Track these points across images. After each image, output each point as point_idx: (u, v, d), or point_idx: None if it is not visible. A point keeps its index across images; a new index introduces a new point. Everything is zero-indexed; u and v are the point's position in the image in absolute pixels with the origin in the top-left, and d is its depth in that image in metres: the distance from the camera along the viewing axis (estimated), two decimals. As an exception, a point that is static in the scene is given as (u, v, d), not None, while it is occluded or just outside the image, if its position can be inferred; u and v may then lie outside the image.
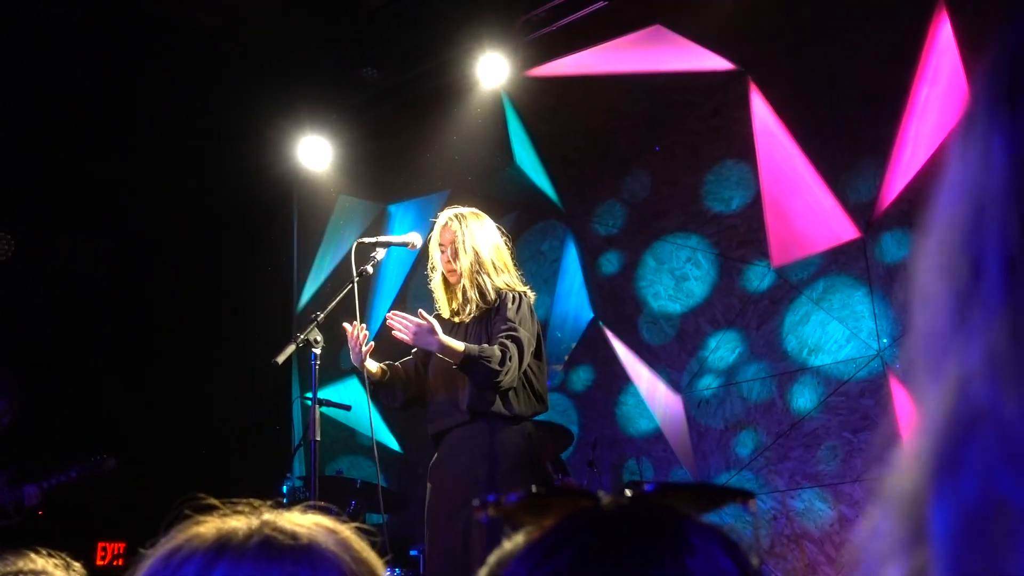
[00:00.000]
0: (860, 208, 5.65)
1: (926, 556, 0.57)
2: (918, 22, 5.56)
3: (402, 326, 3.99)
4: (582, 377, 6.63)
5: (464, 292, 4.24)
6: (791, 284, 5.85)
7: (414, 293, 7.07)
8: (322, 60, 7.06)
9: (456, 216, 4.29)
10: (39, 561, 1.47)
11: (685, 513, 0.77)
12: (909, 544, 0.59)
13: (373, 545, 1.03)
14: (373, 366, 4.19)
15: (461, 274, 4.23)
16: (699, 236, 6.26)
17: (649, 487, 0.78)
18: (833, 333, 5.66)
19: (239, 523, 0.98)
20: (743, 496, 0.80)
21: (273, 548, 0.95)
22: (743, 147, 6.12)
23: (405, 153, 7.46)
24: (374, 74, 7.33)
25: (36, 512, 5.98)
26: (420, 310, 4.03)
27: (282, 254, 8.23)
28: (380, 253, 4.33)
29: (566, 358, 6.68)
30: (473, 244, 4.22)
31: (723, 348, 6.04)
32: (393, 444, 7.16)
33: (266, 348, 4.36)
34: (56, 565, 1.48)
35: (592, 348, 6.61)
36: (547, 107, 6.99)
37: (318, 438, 3.98)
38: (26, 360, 6.55)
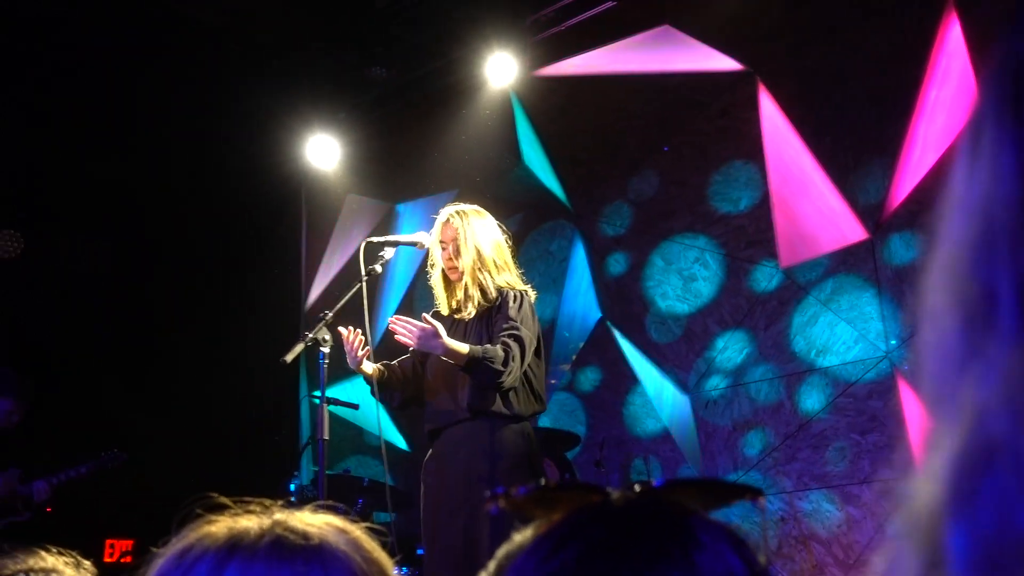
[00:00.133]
0: (869, 209, 5.64)
1: None
2: (927, 22, 5.54)
3: (406, 330, 3.97)
4: (590, 377, 6.62)
5: (465, 290, 4.23)
6: (799, 285, 5.84)
7: (422, 292, 7.07)
8: (330, 59, 7.07)
9: (458, 213, 4.28)
10: (50, 559, 1.47)
11: (693, 509, 0.77)
12: (927, 572, 0.58)
13: (383, 545, 1.03)
14: (369, 368, 4.18)
15: (462, 271, 4.22)
16: (707, 236, 6.25)
17: (658, 482, 0.78)
18: (841, 334, 5.65)
19: (251, 523, 0.98)
20: (752, 493, 0.80)
21: (284, 548, 0.95)
22: (751, 147, 6.11)
23: (413, 152, 7.46)
24: (382, 73, 7.33)
25: (44, 508, 6.00)
26: (424, 314, 4.03)
27: (290, 253, 8.24)
28: (388, 252, 4.33)
29: (574, 358, 6.68)
30: (475, 241, 4.21)
31: (731, 349, 6.04)
32: (400, 443, 7.17)
33: (274, 347, 4.37)
34: (67, 563, 1.49)
35: (600, 348, 6.61)
36: (555, 107, 6.99)
37: (326, 437, 3.99)
38: (32, 359, 6.56)
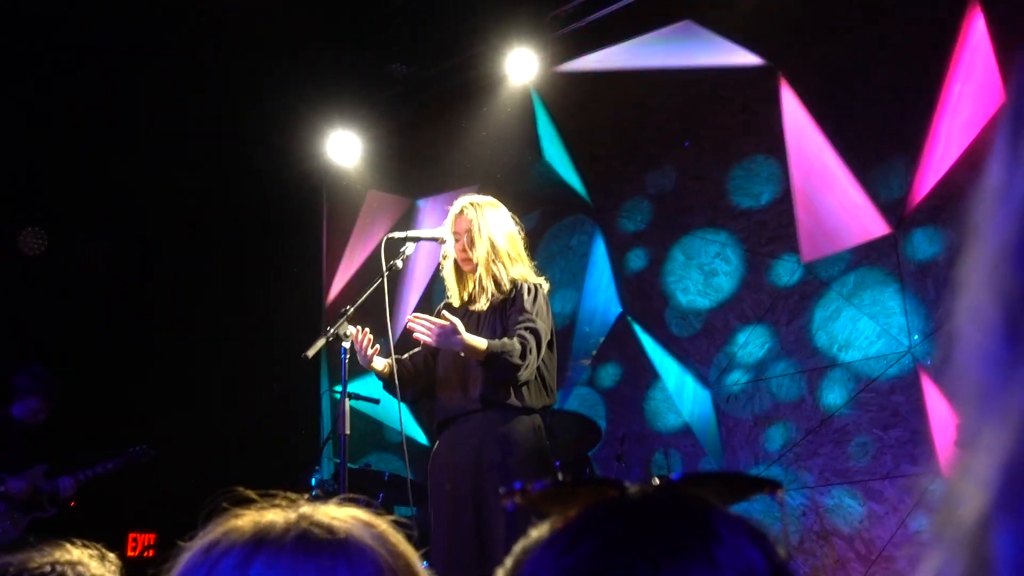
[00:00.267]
0: (891, 204, 5.61)
1: None
2: (950, 16, 5.50)
3: (425, 328, 3.96)
4: (610, 372, 6.62)
5: (479, 281, 4.21)
6: (821, 280, 5.81)
7: (442, 287, 7.07)
8: (351, 56, 7.08)
9: (472, 204, 4.26)
10: (75, 552, 1.48)
11: (712, 503, 0.77)
12: None
13: (408, 538, 1.03)
14: (379, 364, 4.17)
15: (476, 263, 4.20)
16: (728, 231, 6.23)
17: (676, 476, 0.78)
18: (864, 329, 5.63)
19: (276, 516, 0.98)
20: (771, 486, 0.80)
21: (311, 542, 0.95)
22: (773, 142, 6.09)
23: (434, 148, 7.47)
24: (403, 69, 7.34)
25: (69, 504, 6.04)
26: (443, 311, 4.02)
27: (311, 249, 8.26)
28: (410, 248, 4.31)
29: (594, 353, 6.67)
30: (489, 233, 4.19)
31: (752, 343, 6.02)
32: (421, 438, 7.18)
33: (296, 343, 4.38)
34: (91, 556, 1.50)
35: (620, 343, 6.60)
36: (576, 103, 6.98)
37: (348, 431, 3.99)
38: (56, 356, 6.61)
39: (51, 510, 5.97)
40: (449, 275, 4.34)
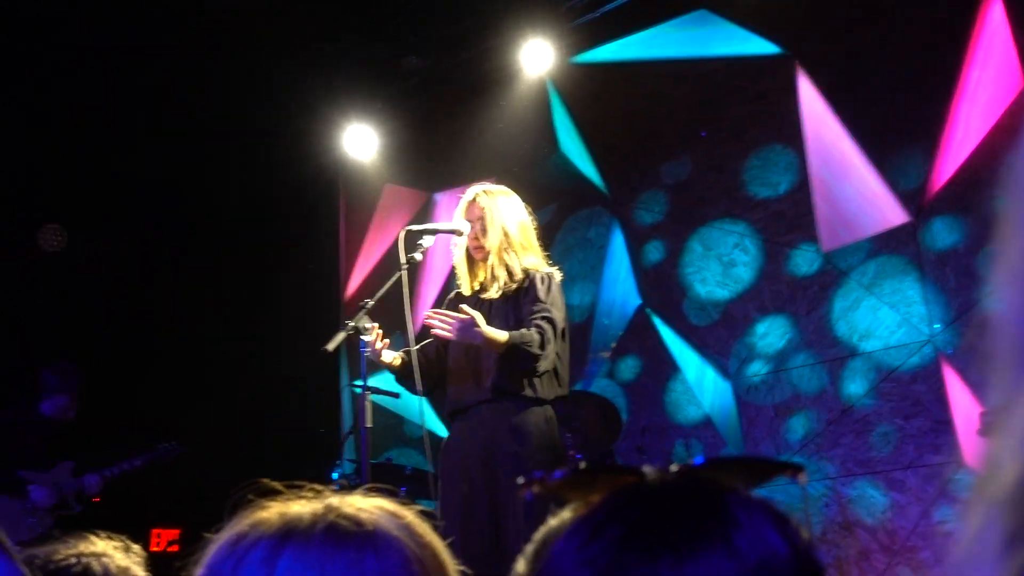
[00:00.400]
0: (910, 192, 5.58)
1: None
2: (968, 2, 5.47)
3: (444, 323, 3.94)
4: (630, 364, 6.60)
5: (491, 270, 4.20)
6: (841, 269, 5.79)
7: (461, 281, 7.08)
8: (366, 49, 7.08)
9: (485, 192, 4.25)
10: (100, 544, 1.50)
11: (731, 487, 0.76)
12: (1013, 539, 0.58)
13: (435, 528, 1.03)
14: (388, 356, 4.16)
15: (488, 251, 4.19)
16: (746, 221, 6.21)
17: (696, 461, 0.78)
18: (884, 318, 5.60)
19: (303, 508, 0.98)
20: (792, 469, 0.79)
21: (338, 534, 0.95)
22: (790, 131, 6.06)
23: (450, 141, 7.47)
24: (419, 62, 7.34)
25: (94, 501, 6.08)
26: (462, 305, 4.01)
27: (329, 243, 8.28)
28: (428, 240, 4.30)
29: (613, 345, 6.66)
30: (502, 221, 4.18)
31: (772, 334, 6.00)
32: (442, 431, 7.18)
33: (315, 337, 4.39)
34: (116, 548, 1.51)
35: (640, 335, 6.59)
36: (592, 94, 6.96)
37: (369, 425, 3.99)
38: (80, 351, 6.65)
39: (77, 507, 6.01)
40: (460, 263, 4.32)
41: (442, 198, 7.69)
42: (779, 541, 0.73)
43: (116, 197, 7.38)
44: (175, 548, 6.78)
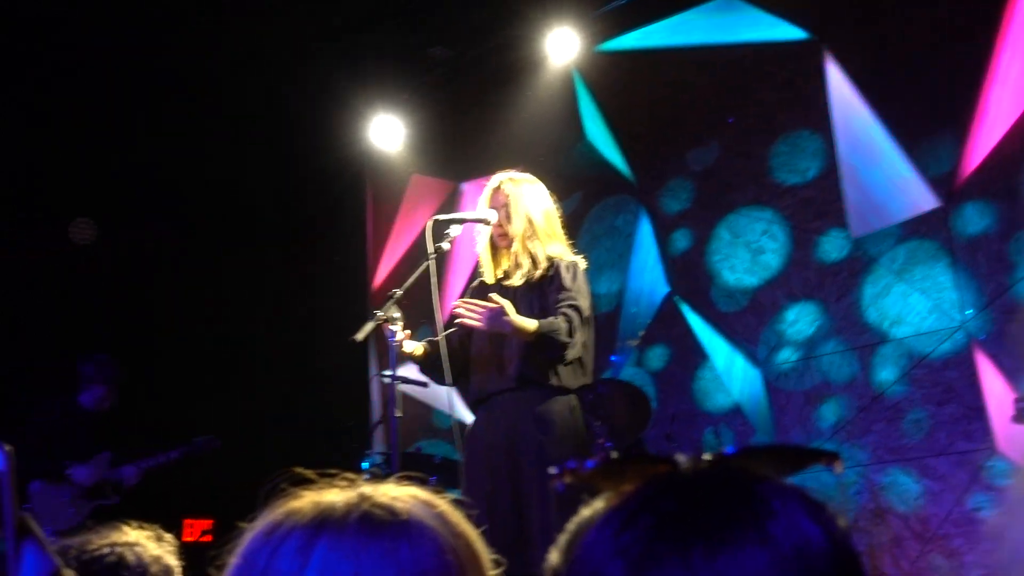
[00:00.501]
0: (940, 177, 5.53)
1: None
2: (1000, -16, 5.40)
3: (473, 313, 3.93)
4: (658, 353, 6.58)
5: (514, 257, 4.18)
6: (870, 255, 5.74)
7: (488, 271, 7.07)
8: (392, 39, 7.08)
9: (510, 179, 4.24)
10: (132, 534, 1.51)
11: (765, 476, 0.75)
12: None
13: (468, 518, 1.03)
14: (409, 347, 4.12)
15: (512, 238, 4.18)
16: (774, 208, 6.17)
17: (728, 450, 0.77)
18: (915, 305, 5.55)
19: (336, 497, 0.99)
20: (827, 457, 0.78)
21: (372, 523, 0.95)
22: (818, 117, 6.01)
23: (477, 131, 7.46)
24: (444, 52, 7.34)
25: (130, 492, 6.14)
26: (491, 294, 3.99)
27: (356, 234, 8.30)
28: (455, 230, 4.28)
29: (641, 334, 6.64)
30: (526, 209, 4.16)
31: (802, 321, 5.96)
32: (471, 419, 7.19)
33: (343, 327, 4.39)
34: (148, 537, 1.52)
35: (668, 323, 6.57)
36: (618, 81, 6.93)
37: (399, 414, 3.99)
38: (115, 344, 6.70)
39: (114, 498, 6.07)
40: (484, 251, 4.31)
41: (468, 188, 7.69)
42: (814, 529, 0.72)
43: (146, 189, 7.42)
44: (207, 539, 6.83)
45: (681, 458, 0.78)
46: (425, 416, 7.43)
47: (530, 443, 3.95)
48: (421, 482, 1.05)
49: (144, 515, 1.64)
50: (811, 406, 5.86)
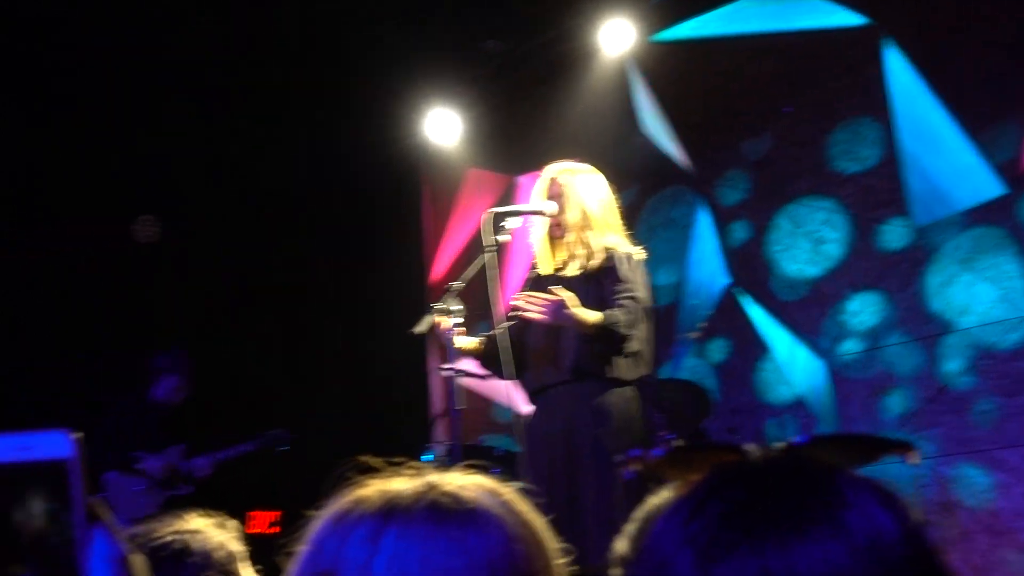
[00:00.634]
0: (1006, 164, 5.42)
1: None
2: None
3: (535, 306, 3.91)
4: (719, 345, 6.54)
5: (569, 248, 4.16)
6: (934, 245, 5.65)
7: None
8: (447, 33, 7.10)
9: (566, 169, 4.22)
10: (195, 521, 1.54)
11: (837, 465, 0.74)
12: None
13: (534, 506, 1.03)
14: (462, 342, 4.11)
15: (567, 229, 4.16)
16: (835, 197, 6.09)
17: (799, 439, 0.76)
18: (981, 294, 5.45)
19: (403, 486, 0.99)
20: (901, 447, 0.77)
21: (440, 512, 0.95)
22: (878, 104, 5.92)
23: (532, 124, 7.44)
24: (498, 45, 7.34)
25: (202, 483, 6.25)
26: (552, 287, 3.97)
27: (413, 228, 8.33)
28: (512, 222, 4.28)
29: (701, 326, 6.59)
30: (581, 199, 4.14)
31: (865, 312, 5.88)
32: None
33: (402, 321, 4.42)
34: (211, 525, 1.54)
35: (728, 315, 6.51)
36: (673, 71, 6.87)
37: (460, 407, 4.00)
38: (183, 339, 6.82)
39: (186, 489, 6.19)
40: (539, 242, 4.30)
41: (524, 181, 7.68)
42: (888, 520, 0.71)
43: (209, 186, 7.53)
44: (274, 530, 6.91)
45: (749, 447, 0.77)
46: (485, 410, 7.45)
47: (587, 435, 3.95)
48: (485, 471, 1.05)
49: (212, 506, 1.66)
50: (876, 397, 5.78)
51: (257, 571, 1.54)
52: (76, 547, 0.76)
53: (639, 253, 4.19)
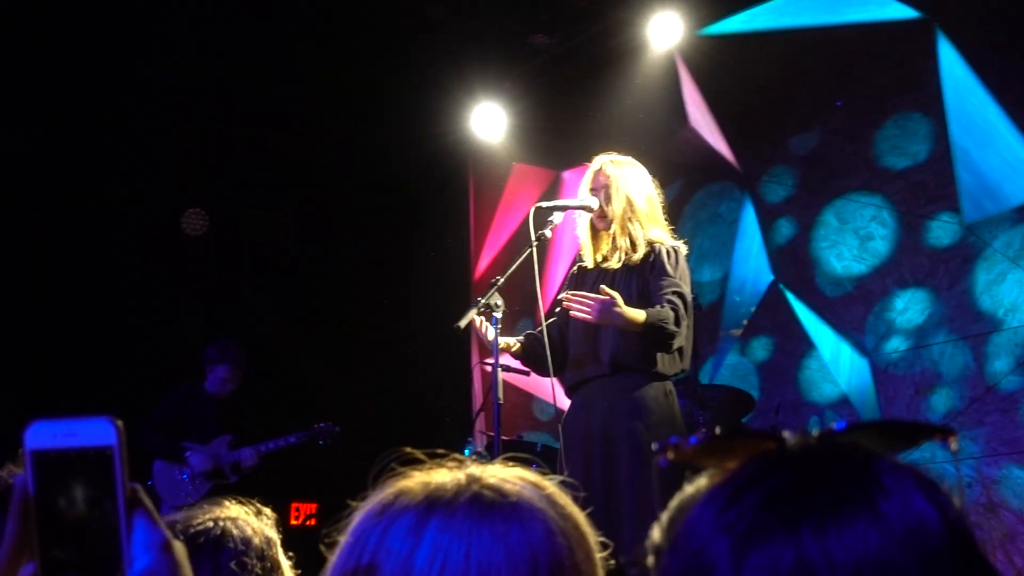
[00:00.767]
0: (1060, 159, 5.33)
1: None
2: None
3: (583, 305, 3.89)
4: (763, 342, 6.49)
5: (613, 240, 4.15)
6: (984, 241, 5.56)
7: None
8: (494, 28, 7.10)
9: (612, 161, 4.22)
10: (233, 509, 1.55)
11: (877, 452, 0.73)
12: None
13: (575, 500, 1.03)
14: (502, 340, 4.10)
15: (611, 220, 4.15)
16: (884, 193, 6.02)
17: (839, 425, 0.75)
18: (1031, 292, 5.37)
19: (445, 478, 0.99)
20: (941, 432, 0.75)
21: (483, 505, 0.96)
22: (930, 98, 5.84)
23: (578, 118, 7.43)
24: (545, 40, 7.33)
25: (248, 473, 6.32)
26: (602, 286, 3.95)
27: (459, 222, 8.35)
28: (558, 217, 4.28)
29: (745, 323, 6.55)
30: (627, 191, 4.13)
31: (912, 309, 5.81)
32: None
33: (446, 315, 4.43)
34: (248, 512, 1.56)
35: (773, 312, 6.46)
36: (721, 66, 6.83)
37: (501, 400, 4.01)
38: (232, 332, 6.89)
39: (232, 478, 6.27)
40: (584, 233, 4.30)
41: (570, 176, 7.67)
42: (929, 509, 0.70)
43: (249, 180, 7.59)
44: (312, 522, 6.96)
45: (787, 434, 0.76)
46: (526, 405, 7.46)
47: (624, 429, 3.94)
48: (526, 465, 1.05)
49: (254, 497, 1.68)
50: (921, 396, 5.71)
51: (288, 558, 1.56)
52: (118, 534, 0.78)
53: (682, 247, 4.18)
